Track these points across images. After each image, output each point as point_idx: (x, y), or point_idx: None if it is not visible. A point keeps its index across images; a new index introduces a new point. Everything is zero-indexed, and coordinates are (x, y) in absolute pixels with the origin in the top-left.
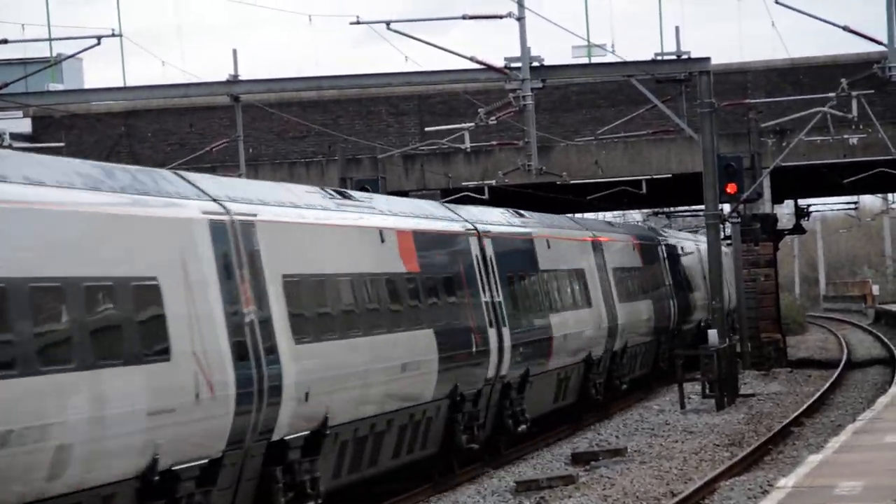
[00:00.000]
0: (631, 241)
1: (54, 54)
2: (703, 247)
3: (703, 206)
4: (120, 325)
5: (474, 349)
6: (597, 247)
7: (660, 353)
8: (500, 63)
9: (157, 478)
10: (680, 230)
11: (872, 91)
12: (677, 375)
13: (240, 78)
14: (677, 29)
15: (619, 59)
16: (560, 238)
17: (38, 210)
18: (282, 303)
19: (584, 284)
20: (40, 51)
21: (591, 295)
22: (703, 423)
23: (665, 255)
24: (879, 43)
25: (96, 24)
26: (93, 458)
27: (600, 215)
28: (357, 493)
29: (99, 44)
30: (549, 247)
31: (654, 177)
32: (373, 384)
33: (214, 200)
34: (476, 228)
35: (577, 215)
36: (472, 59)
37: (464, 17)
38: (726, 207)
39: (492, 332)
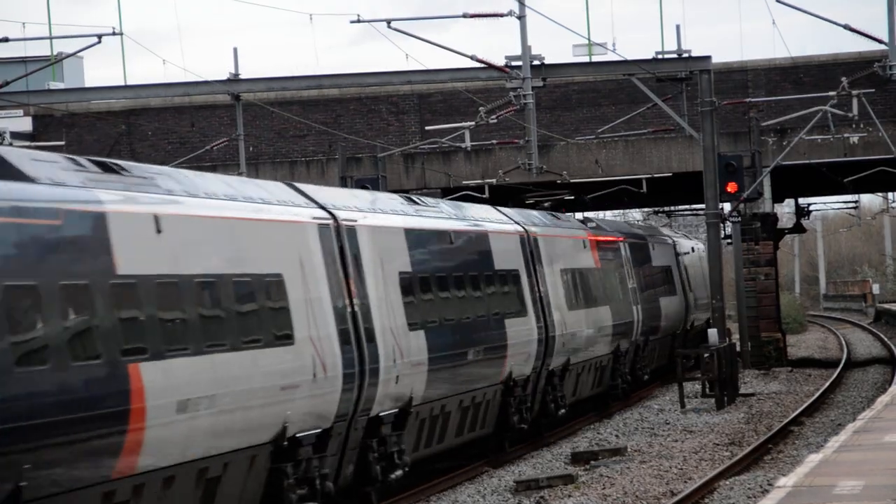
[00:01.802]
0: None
1: (55, 53)
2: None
3: (703, 205)
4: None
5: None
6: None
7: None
8: (500, 61)
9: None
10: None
11: (873, 90)
12: (677, 375)
13: (240, 76)
14: (678, 27)
15: (619, 58)
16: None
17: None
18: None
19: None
20: (41, 49)
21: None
22: (702, 422)
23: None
24: (880, 41)
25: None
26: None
27: (600, 214)
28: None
29: (99, 42)
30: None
31: (655, 176)
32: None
33: None
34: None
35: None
36: (472, 57)
37: (464, 16)
38: (727, 206)
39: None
